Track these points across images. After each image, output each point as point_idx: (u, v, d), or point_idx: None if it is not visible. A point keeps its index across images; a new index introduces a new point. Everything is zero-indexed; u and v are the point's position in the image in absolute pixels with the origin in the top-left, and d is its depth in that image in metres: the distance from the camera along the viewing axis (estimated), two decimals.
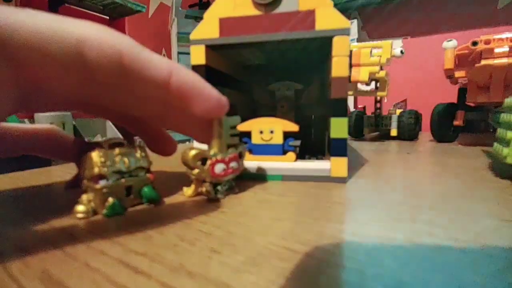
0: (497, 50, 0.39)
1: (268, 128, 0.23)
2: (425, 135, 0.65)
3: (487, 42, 0.40)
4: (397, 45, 0.54)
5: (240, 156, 0.19)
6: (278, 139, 0.23)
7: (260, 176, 0.22)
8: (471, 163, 0.29)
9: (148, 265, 0.10)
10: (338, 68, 0.20)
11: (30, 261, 0.10)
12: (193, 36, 0.23)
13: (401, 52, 0.54)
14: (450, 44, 0.48)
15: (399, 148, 0.44)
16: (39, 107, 0.16)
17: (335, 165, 0.21)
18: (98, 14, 1.07)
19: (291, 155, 0.23)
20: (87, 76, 0.13)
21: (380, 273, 0.09)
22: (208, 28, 0.22)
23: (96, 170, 0.15)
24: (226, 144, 0.17)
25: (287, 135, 0.23)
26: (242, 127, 0.22)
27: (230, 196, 0.18)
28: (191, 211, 0.16)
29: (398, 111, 0.59)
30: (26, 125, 0.19)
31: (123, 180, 0.16)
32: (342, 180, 0.21)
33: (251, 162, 0.23)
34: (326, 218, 0.14)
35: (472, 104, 0.49)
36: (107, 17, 1.11)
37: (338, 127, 0.21)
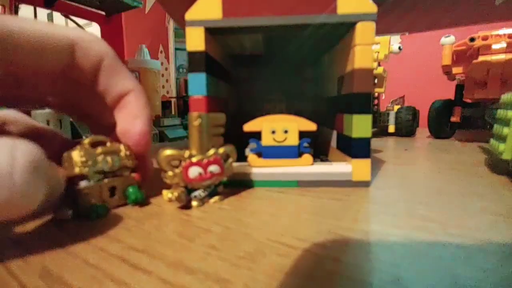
0: (494, 46, 0.39)
1: (282, 128, 0.20)
2: (423, 131, 0.65)
3: (485, 38, 0.40)
4: (395, 41, 0.55)
5: (226, 159, 0.17)
6: (293, 140, 0.20)
7: (271, 183, 0.20)
8: (468, 159, 0.29)
9: (147, 261, 0.10)
10: (361, 58, 0.18)
11: (30, 258, 0.10)
12: (189, 15, 0.19)
13: (399, 48, 0.54)
14: (448, 40, 0.48)
15: (396, 144, 0.45)
16: (18, 102, 0.17)
17: (357, 168, 0.19)
18: (94, 10, 1.06)
19: (308, 157, 0.20)
20: (68, 75, 0.15)
21: (377, 268, 0.09)
22: (208, 6, 0.19)
23: (76, 170, 0.14)
24: (207, 146, 0.16)
25: (302, 135, 0.20)
26: (250, 126, 0.20)
27: (228, 193, 0.18)
28: (189, 208, 0.16)
29: (396, 108, 0.59)
30: None
31: (106, 180, 0.15)
32: (365, 184, 0.19)
33: (261, 167, 0.20)
34: (322, 215, 0.14)
35: (469, 101, 0.49)
36: (104, 13, 1.10)
37: (361, 125, 0.19)
